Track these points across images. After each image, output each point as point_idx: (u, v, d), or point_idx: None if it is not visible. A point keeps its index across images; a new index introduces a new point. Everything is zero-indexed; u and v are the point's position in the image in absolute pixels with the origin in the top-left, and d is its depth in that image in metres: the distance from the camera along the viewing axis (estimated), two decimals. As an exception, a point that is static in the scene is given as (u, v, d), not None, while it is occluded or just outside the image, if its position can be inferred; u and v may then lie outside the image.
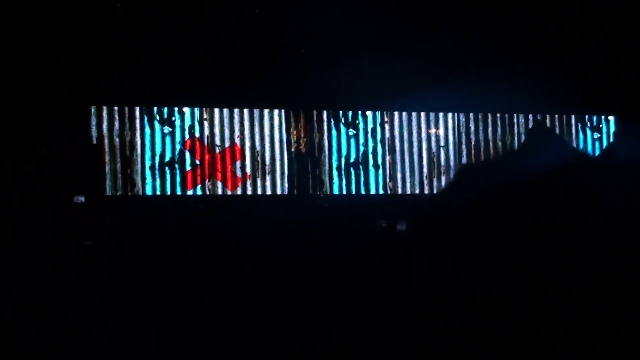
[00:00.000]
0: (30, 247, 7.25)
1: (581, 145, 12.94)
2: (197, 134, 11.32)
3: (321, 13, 10.86)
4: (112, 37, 10.55)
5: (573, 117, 13.07)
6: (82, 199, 10.45)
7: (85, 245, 7.76)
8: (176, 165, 11.21)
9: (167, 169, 11.15)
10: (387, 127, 12.22)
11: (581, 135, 13.10)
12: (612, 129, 13.24)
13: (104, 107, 10.93)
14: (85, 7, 10.25)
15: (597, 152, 12.71)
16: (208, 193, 11.30)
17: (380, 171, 12.17)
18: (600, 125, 13.21)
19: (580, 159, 8.46)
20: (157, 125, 11.14)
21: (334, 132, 11.98)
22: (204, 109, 11.41)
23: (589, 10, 11.29)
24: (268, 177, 11.63)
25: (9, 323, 4.59)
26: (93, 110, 10.86)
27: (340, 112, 12.04)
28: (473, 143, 12.57)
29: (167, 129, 11.19)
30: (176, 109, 11.28)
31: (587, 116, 13.16)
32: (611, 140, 13.04)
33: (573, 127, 13.07)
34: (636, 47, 11.42)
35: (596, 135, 13.20)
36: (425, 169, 12.38)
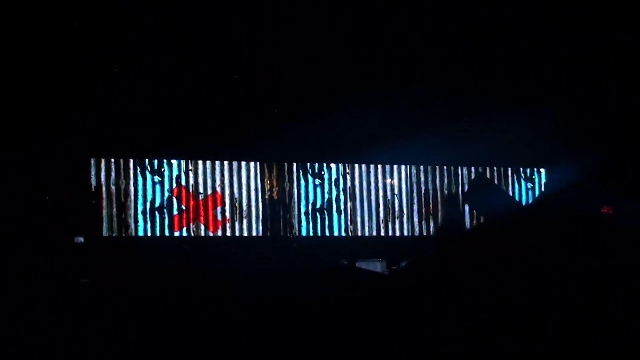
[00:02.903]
0: (36, 281, 7.98)
1: (516, 193, 13.65)
2: (183, 183, 11.93)
3: (290, 79, 11.85)
4: (109, 99, 11.22)
5: (510, 169, 13.76)
6: (82, 239, 11.03)
7: (84, 283, 8.42)
8: (165, 210, 11.80)
9: (157, 213, 11.75)
10: (348, 177, 12.80)
11: (516, 185, 13.77)
12: (543, 179, 13.89)
13: (102, 159, 11.56)
14: (84, 73, 10.99)
15: (530, 200, 13.60)
16: (192, 234, 11.88)
17: (343, 216, 12.71)
18: (533, 177, 13.89)
19: (515, 205, 10.06)
20: (148, 175, 11.76)
21: (302, 181, 12.52)
22: (189, 161, 12.00)
23: (522, 78, 12.22)
24: (245, 221, 12.19)
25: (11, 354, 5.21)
26: (92, 162, 11.51)
27: (308, 164, 12.60)
28: (423, 192, 13.21)
29: (157, 178, 11.81)
30: (165, 160, 11.89)
31: (521, 168, 13.83)
32: (542, 189, 13.75)
33: (510, 178, 13.74)
34: (561, 113, 12.32)
35: (529, 185, 13.88)
36: (381, 214, 12.96)
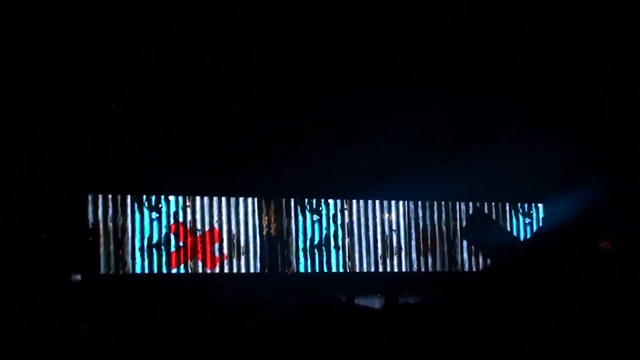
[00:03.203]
0: (36, 321, 7.98)
1: (514, 228, 13.67)
2: (181, 219, 11.93)
3: (285, 116, 12.00)
4: (107, 135, 11.29)
5: (507, 204, 13.75)
6: (79, 277, 10.79)
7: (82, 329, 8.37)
8: (162, 247, 11.78)
9: (154, 250, 11.73)
10: (346, 213, 12.81)
11: (514, 220, 13.76)
12: (541, 214, 13.85)
13: (99, 195, 11.53)
14: (79, 108, 11.05)
15: (528, 235, 13.65)
16: (190, 271, 11.85)
17: (341, 252, 12.72)
18: (531, 212, 13.90)
19: (512, 240, 10.15)
20: (146, 212, 11.75)
21: (300, 217, 12.53)
22: (187, 197, 11.99)
23: (518, 114, 12.51)
24: (243, 257, 12.18)
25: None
26: (90, 198, 11.47)
27: (306, 200, 12.61)
28: (421, 227, 13.19)
29: (154, 215, 11.80)
30: (163, 197, 11.88)
31: (519, 203, 13.83)
32: (540, 224, 13.73)
33: (507, 213, 13.74)
34: (555, 150, 12.38)
35: (527, 220, 13.87)
36: (379, 250, 12.98)
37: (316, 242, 12.65)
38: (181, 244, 11.93)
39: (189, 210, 12.04)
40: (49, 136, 11.01)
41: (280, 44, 11.37)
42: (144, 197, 11.85)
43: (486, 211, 13.63)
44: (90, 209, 11.50)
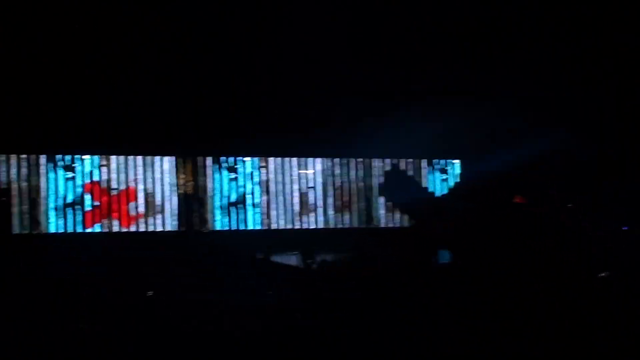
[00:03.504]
0: None
1: (430, 185, 13.88)
2: (96, 179, 11.96)
3: (207, 74, 12.07)
4: (20, 92, 11.26)
5: (424, 161, 13.90)
6: None
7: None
8: (77, 206, 11.84)
9: (69, 209, 11.77)
10: (263, 170, 12.91)
11: (430, 176, 13.94)
12: (457, 170, 14.13)
13: (12, 156, 11.51)
14: None
15: (444, 191, 13.92)
16: (106, 230, 11.93)
17: (258, 209, 12.83)
18: (447, 168, 14.08)
19: (429, 197, 10.52)
20: (60, 171, 11.77)
21: (216, 175, 12.62)
22: (103, 156, 12.02)
23: (438, 73, 12.69)
24: (159, 216, 12.28)
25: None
26: (2, 159, 11.46)
27: (222, 158, 12.67)
28: (337, 184, 13.33)
29: (69, 174, 11.81)
30: (78, 157, 11.89)
31: (435, 160, 14.00)
32: (456, 180, 14.05)
33: (424, 170, 13.89)
34: (472, 109, 12.68)
35: (443, 176, 14.05)
36: (296, 207, 13.11)
37: (232, 200, 12.71)
38: (96, 203, 11.96)
39: (104, 170, 12.07)
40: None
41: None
42: (59, 157, 11.83)
43: (403, 168, 13.79)
44: (3, 169, 11.48)
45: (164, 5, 11.45)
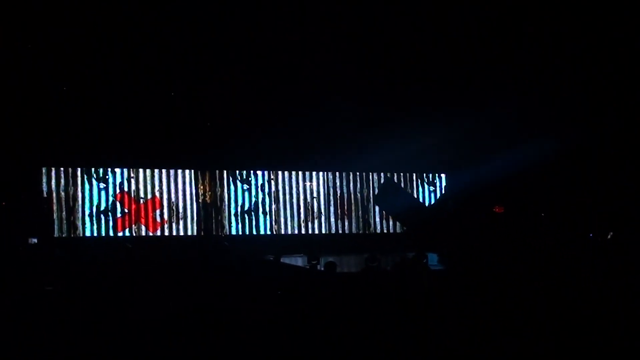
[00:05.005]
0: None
1: (420, 196, 15.01)
2: (125, 189, 12.97)
3: (218, 97, 12.49)
4: (60, 113, 12.00)
5: (415, 174, 15.07)
6: (35, 240, 11.81)
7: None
8: (109, 213, 12.83)
9: (102, 216, 12.78)
10: (273, 182, 13.92)
11: (420, 188, 15.09)
12: (443, 183, 15.23)
13: (52, 168, 12.54)
14: (35, 89, 11.55)
15: (432, 201, 15.07)
16: (135, 234, 12.93)
17: (268, 217, 13.81)
18: (435, 181, 15.23)
19: (418, 206, 11.61)
20: (94, 182, 12.80)
21: (232, 187, 13.59)
22: (131, 169, 13.03)
23: (425, 94, 12.95)
24: (181, 222, 13.25)
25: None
26: (44, 171, 12.49)
27: (237, 171, 13.67)
28: (338, 195, 14.41)
29: (102, 185, 12.84)
30: (109, 169, 12.88)
31: (424, 174, 15.13)
32: (443, 191, 15.13)
33: (414, 182, 15.06)
34: (459, 128, 13.17)
35: (431, 188, 15.20)
36: (302, 215, 14.14)
37: (246, 208, 13.71)
38: (126, 210, 12.95)
39: (133, 181, 13.05)
40: (6, 116, 11.63)
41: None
42: (93, 169, 12.80)
43: (396, 180, 14.84)
44: (44, 180, 12.44)
45: (192, 38, 11.47)
